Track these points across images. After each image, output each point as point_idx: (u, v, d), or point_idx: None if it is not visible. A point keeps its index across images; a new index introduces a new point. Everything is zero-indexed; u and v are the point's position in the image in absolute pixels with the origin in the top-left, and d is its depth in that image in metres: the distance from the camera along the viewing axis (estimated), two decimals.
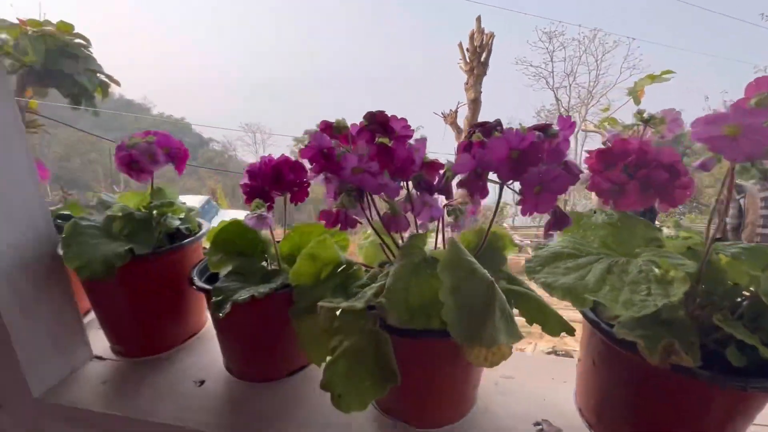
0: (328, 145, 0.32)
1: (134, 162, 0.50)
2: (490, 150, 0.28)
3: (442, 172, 0.34)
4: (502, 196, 0.34)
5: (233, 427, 0.45)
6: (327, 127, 0.35)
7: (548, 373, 0.52)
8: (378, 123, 0.33)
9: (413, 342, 0.36)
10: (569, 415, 0.44)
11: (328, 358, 0.37)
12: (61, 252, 0.49)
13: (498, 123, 0.32)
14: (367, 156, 0.32)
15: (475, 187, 0.30)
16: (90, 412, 0.48)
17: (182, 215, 0.57)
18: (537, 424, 0.43)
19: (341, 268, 0.44)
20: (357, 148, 0.34)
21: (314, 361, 0.41)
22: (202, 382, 0.51)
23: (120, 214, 0.50)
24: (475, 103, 4.43)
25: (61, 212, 0.63)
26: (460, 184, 0.30)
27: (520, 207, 0.29)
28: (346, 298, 0.39)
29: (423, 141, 0.37)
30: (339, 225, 0.36)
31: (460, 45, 4.62)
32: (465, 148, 0.31)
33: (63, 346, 0.53)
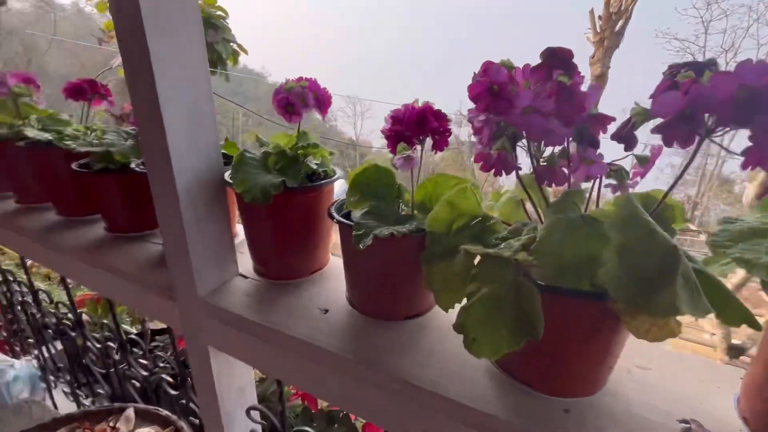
0: (503, 80, 0.30)
1: (290, 104, 0.55)
2: (713, 87, 0.23)
3: (629, 116, 0.30)
4: (696, 153, 0.29)
5: (354, 353, 0.48)
6: (490, 67, 0.34)
7: (695, 374, 0.46)
8: (559, 58, 0.30)
9: (560, 300, 0.34)
10: (727, 422, 0.38)
11: (463, 303, 0.37)
12: (228, 178, 0.57)
13: (713, 61, 0.27)
14: (542, 95, 0.30)
15: (678, 134, 0.26)
16: (239, 316, 0.57)
17: (320, 160, 0.61)
18: (684, 422, 0.38)
19: (476, 220, 0.43)
20: (524, 87, 0.31)
21: (442, 305, 0.42)
22: (326, 311, 0.56)
23: (274, 150, 0.56)
24: (600, 80, 3.90)
25: None
26: (656, 129, 0.27)
27: (742, 158, 0.24)
28: (485, 248, 0.38)
29: (596, 87, 0.34)
30: (494, 169, 0.35)
31: (591, 12, 4.05)
32: (669, 87, 0.26)
33: (220, 260, 0.63)
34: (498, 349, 0.35)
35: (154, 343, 1.44)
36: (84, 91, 0.84)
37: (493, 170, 0.35)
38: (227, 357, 0.67)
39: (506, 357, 0.36)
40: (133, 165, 0.69)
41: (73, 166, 0.74)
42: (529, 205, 0.43)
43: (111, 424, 0.87)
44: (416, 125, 0.46)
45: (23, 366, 1.26)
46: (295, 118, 0.57)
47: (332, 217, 0.50)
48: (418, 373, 0.45)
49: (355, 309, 0.54)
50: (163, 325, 1.73)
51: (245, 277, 0.66)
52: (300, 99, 0.55)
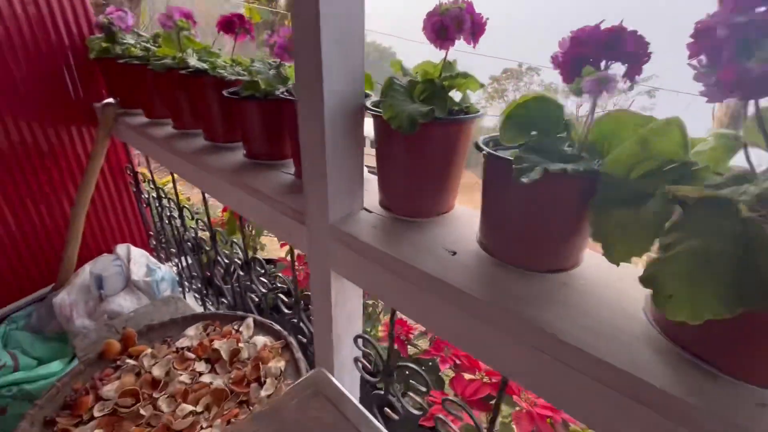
0: None
1: (443, 28, 0.51)
2: None
3: None
4: None
5: (488, 296, 0.46)
6: None
7: None
8: None
9: None
10: None
11: (653, 255, 0.32)
12: (368, 104, 0.57)
13: None
14: None
15: None
16: (366, 244, 0.58)
17: (462, 94, 0.57)
18: None
19: (672, 165, 0.36)
20: None
21: (616, 257, 0.37)
22: (454, 253, 0.55)
23: (422, 79, 0.53)
24: None
25: None
26: None
27: None
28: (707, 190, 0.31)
29: None
30: (744, 91, 0.27)
31: None
32: None
33: (351, 190, 0.64)
34: (699, 311, 0.29)
35: (262, 270, 1.60)
36: (233, 24, 0.90)
37: (740, 94, 0.27)
38: (345, 283, 0.71)
39: (676, 325, 0.30)
40: (277, 93, 0.73)
41: (224, 93, 0.81)
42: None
43: (235, 327, 1.01)
44: (605, 47, 0.38)
45: (167, 270, 1.52)
46: (446, 44, 0.52)
47: (480, 149, 0.47)
48: (561, 327, 0.41)
49: (489, 254, 0.51)
50: (270, 257, 1.92)
51: (369, 211, 0.67)
52: (456, 23, 0.51)
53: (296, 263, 1.47)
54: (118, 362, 0.91)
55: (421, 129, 0.50)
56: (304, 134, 0.60)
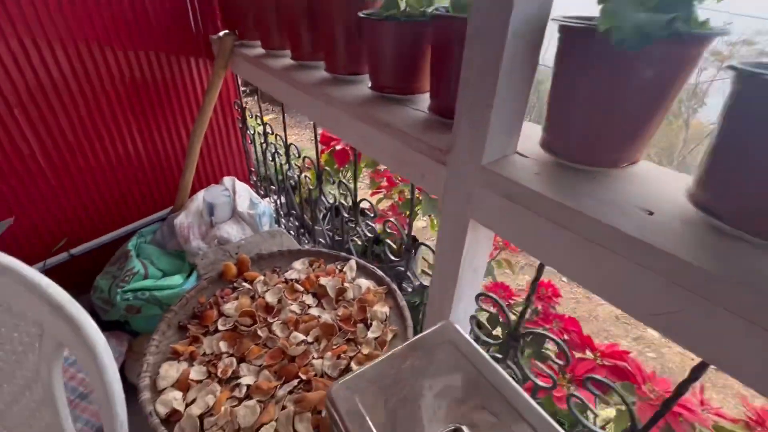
0: None
1: None
2: None
3: None
4: None
5: (718, 269, 0.36)
6: None
7: None
8: None
9: None
10: None
11: None
12: (562, 16, 0.46)
13: None
14: None
15: None
16: (533, 192, 0.49)
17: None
18: None
19: None
20: None
21: None
22: (650, 213, 0.44)
23: None
24: None
25: None
26: None
27: None
28: None
29: None
30: None
31: None
32: None
33: (510, 128, 0.55)
34: None
35: (371, 214, 1.58)
36: None
37: None
38: (481, 234, 0.64)
39: None
40: (429, 10, 0.64)
41: (360, 14, 0.74)
42: None
43: (339, 267, 1.01)
44: None
45: (266, 206, 1.59)
46: None
47: (740, 70, 0.34)
48: None
49: (714, 218, 0.40)
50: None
51: (523, 155, 0.57)
52: None
53: (391, 212, 1.44)
54: (235, 284, 0.97)
55: (647, 47, 0.38)
56: (473, 57, 0.50)
